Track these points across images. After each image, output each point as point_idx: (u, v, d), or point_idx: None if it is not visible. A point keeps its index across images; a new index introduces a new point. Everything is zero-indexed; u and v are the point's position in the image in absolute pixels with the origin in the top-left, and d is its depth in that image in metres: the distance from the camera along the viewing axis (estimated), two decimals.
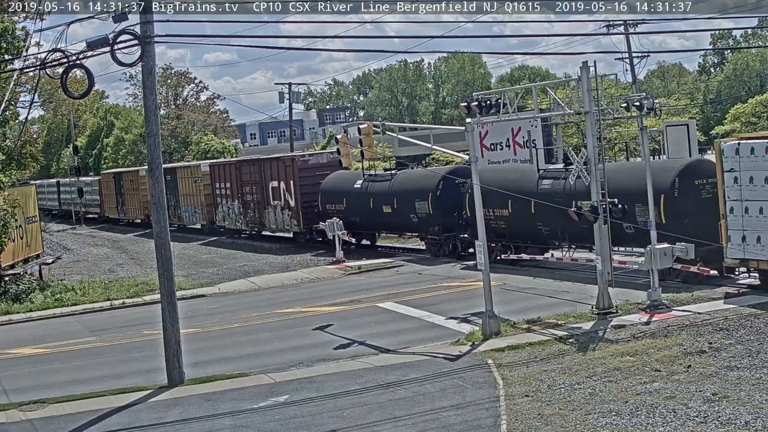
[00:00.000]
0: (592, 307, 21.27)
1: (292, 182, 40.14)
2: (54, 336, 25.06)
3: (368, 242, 39.25)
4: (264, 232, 46.08)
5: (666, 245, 21.58)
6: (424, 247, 35.97)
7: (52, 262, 40.46)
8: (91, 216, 70.86)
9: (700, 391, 14.52)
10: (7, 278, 33.62)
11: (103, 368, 20.67)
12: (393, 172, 36.89)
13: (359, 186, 36.70)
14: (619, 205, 21.62)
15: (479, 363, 17.90)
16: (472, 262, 26.47)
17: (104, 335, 24.80)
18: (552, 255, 29.41)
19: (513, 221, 29.33)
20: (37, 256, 39.24)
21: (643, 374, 15.85)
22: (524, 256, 29.74)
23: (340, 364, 19.06)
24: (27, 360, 22.41)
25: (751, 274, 23.05)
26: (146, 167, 51.05)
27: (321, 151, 46.27)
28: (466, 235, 31.62)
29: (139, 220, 59.58)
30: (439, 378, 16.97)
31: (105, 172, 72.07)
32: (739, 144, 21.89)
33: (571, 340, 18.97)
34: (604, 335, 19.18)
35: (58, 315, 28.64)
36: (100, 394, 17.95)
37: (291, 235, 43.28)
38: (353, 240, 37.72)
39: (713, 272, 23.68)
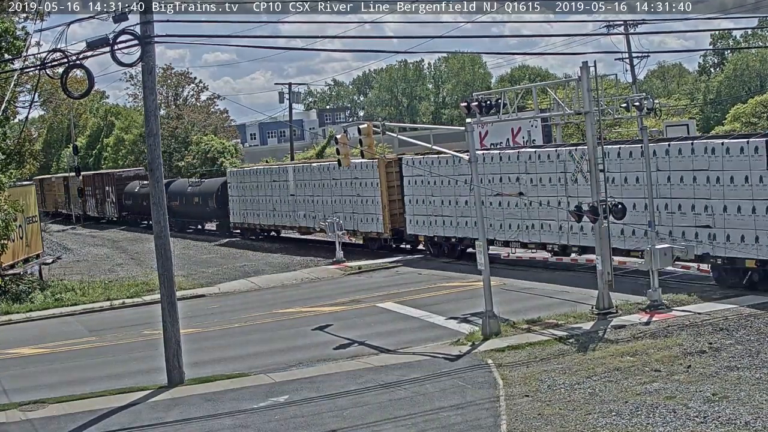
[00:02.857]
0: (592, 308, 21.27)
1: (113, 187, 66.01)
2: (54, 336, 25.06)
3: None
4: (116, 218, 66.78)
5: (667, 245, 21.62)
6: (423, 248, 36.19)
7: (52, 262, 40.47)
8: None
9: (700, 391, 14.52)
10: (7, 278, 33.60)
11: (103, 368, 20.65)
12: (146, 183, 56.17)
13: (137, 190, 59.46)
14: (619, 205, 21.65)
15: (479, 363, 17.90)
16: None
17: (104, 335, 24.80)
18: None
19: (181, 209, 52.54)
20: (37, 256, 39.24)
21: (643, 374, 15.85)
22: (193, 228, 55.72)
23: (340, 364, 19.06)
24: (27, 360, 22.40)
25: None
26: (55, 175, 66.07)
27: (130, 169, 70.11)
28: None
29: (51, 212, 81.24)
30: (439, 378, 16.97)
31: (34, 177, 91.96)
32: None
33: (571, 341, 18.98)
34: (604, 335, 19.19)
35: (58, 315, 28.64)
36: (100, 394, 17.95)
37: (116, 218, 66.60)
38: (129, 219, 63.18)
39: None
